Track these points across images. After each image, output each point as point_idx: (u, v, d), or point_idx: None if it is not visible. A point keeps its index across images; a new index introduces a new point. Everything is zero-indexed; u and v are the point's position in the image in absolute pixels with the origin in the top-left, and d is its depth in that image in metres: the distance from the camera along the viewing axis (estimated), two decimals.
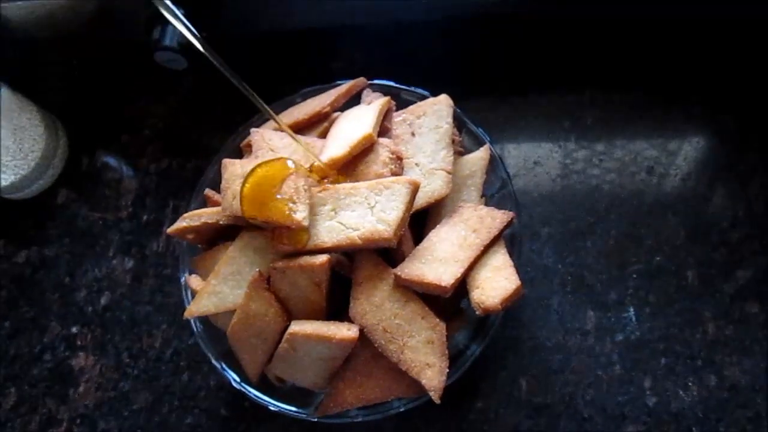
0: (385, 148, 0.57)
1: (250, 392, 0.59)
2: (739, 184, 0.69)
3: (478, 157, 0.61)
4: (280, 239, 0.54)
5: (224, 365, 0.60)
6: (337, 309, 0.57)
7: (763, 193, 0.69)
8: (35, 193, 0.77)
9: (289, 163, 0.55)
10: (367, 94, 0.64)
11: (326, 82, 0.67)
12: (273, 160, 0.56)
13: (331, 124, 0.62)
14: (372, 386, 0.56)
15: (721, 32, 0.75)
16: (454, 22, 0.78)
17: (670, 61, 0.75)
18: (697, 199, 0.69)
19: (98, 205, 0.77)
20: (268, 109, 0.55)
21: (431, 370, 0.53)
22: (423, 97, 0.63)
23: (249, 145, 0.63)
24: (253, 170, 0.54)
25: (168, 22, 0.67)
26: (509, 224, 0.58)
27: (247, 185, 0.53)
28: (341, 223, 0.53)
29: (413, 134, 0.60)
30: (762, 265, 0.66)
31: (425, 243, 0.57)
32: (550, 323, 0.66)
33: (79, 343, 0.71)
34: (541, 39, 0.77)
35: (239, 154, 0.66)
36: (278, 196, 0.53)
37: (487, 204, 0.61)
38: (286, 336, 0.54)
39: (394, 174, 0.56)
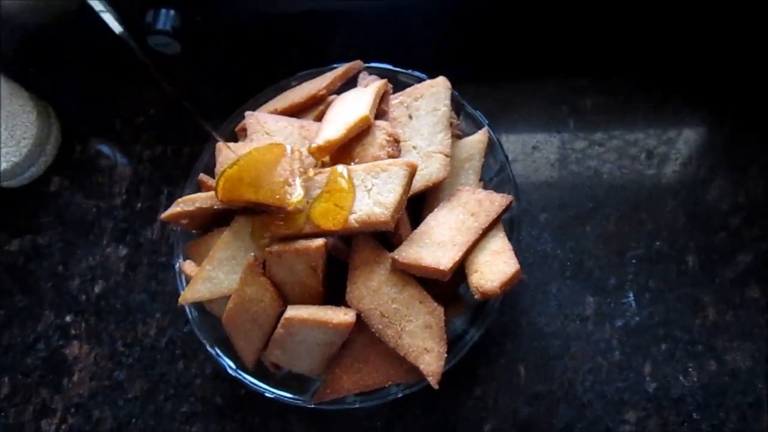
0: (382, 130, 0.56)
1: (245, 379, 0.59)
2: (739, 168, 0.69)
3: (477, 140, 0.61)
4: (276, 223, 0.53)
5: (219, 352, 0.59)
6: (333, 294, 0.56)
7: (762, 177, 0.68)
8: (27, 181, 0.76)
9: (287, 148, 0.54)
10: (363, 77, 0.64)
11: (322, 65, 0.66)
12: (269, 144, 0.55)
13: (327, 108, 0.61)
14: (369, 372, 0.56)
15: (720, 17, 0.74)
16: (452, 4, 0.77)
17: (670, 46, 0.74)
18: (697, 184, 0.68)
19: (92, 192, 0.76)
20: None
21: (429, 356, 0.53)
22: (420, 80, 0.63)
23: (243, 129, 0.62)
24: (246, 153, 0.54)
25: (161, 6, 0.66)
26: (508, 208, 0.57)
27: (231, 169, 0.52)
28: (337, 206, 0.53)
29: (410, 117, 0.59)
30: (762, 249, 0.65)
31: (423, 227, 0.56)
32: (549, 309, 0.65)
33: (73, 331, 0.70)
34: (540, 23, 0.77)
35: (234, 138, 0.65)
36: (274, 179, 0.52)
37: (485, 188, 0.60)
38: (282, 321, 0.53)
39: (391, 157, 0.55)
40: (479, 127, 0.62)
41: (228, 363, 0.59)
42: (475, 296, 0.52)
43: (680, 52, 0.74)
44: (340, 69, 0.63)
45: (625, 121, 0.72)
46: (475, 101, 0.64)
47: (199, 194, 0.59)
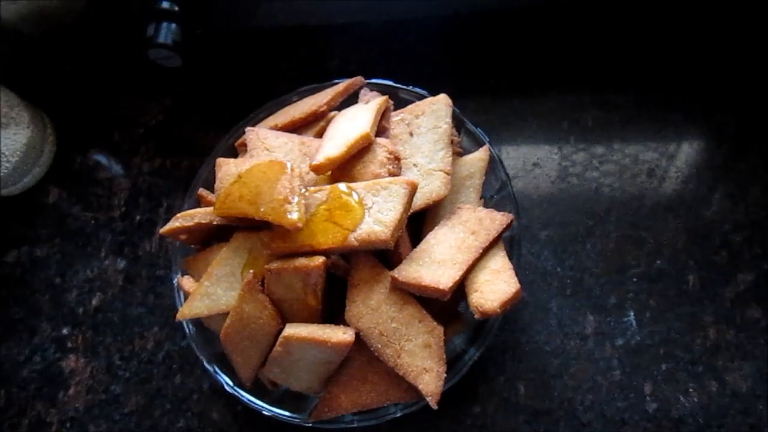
0: (382, 148, 0.56)
1: (243, 396, 0.58)
2: (740, 186, 0.68)
3: (477, 157, 0.60)
4: (275, 240, 0.53)
5: (217, 368, 0.59)
6: (332, 312, 0.56)
7: (764, 195, 0.68)
8: (20, 191, 0.76)
9: (287, 165, 0.54)
10: (364, 93, 0.63)
11: (323, 80, 0.66)
12: (270, 161, 0.55)
13: (327, 124, 0.61)
14: (368, 391, 0.55)
15: (721, 35, 0.74)
16: (453, 21, 0.77)
17: (670, 61, 0.74)
18: (698, 201, 0.68)
19: (90, 204, 0.76)
20: None
21: (428, 375, 0.52)
22: (421, 97, 0.63)
23: (243, 144, 0.62)
24: (247, 170, 0.54)
25: (162, 19, 0.66)
26: (508, 226, 0.57)
27: (231, 185, 0.52)
28: (337, 224, 0.52)
29: (411, 134, 0.59)
30: (763, 269, 0.65)
31: (423, 245, 0.56)
32: (548, 327, 0.65)
33: (69, 344, 0.70)
34: (541, 39, 0.77)
35: (234, 153, 0.65)
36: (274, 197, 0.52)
37: (485, 206, 0.60)
38: (280, 339, 0.53)
39: (391, 174, 0.55)
40: (480, 144, 0.62)
41: (225, 380, 0.59)
42: (476, 316, 0.52)
43: (680, 68, 0.74)
44: (341, 85, 0.63)
45: (625, 137, 0.72)
46: (476, 116, 0.64)
47: (198, 210, 0.59)
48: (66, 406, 0.67)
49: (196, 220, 0.57)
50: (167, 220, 0.60)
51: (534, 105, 0.74)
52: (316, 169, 0.55)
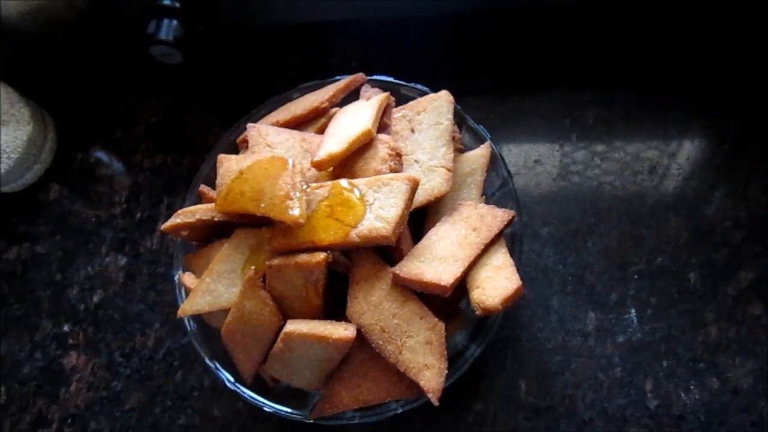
0: (384, 144, 0.56)
1: (244, 393, 0.58)
2: (742, 184, 0.68)
3: (479, 154, 0.60)
4: (276, 236, 0.53)
5: (218, 365, 0.59)
6: (333, 308, 0.56)
7: (765, 193, 0.68)
8: (21, 188, 0.76)
9: (289, 161, 0.54)
10: (365, 90, 0.63)
11: (324, 77, 0.66)
12: (272, 157, 0.55)
13: (329, 120, 0.61)
14: (369, 387, 0.55)
15: (723, 31, 0.74)
16: (455, 18, 0.77)
17: (672, 59, 0.74)
18: (699, 199, 0.68)
19: (91, 201, 0.76)
20: None
21: (430, 372, 0.52)
22: (423, 93, 0.63)
23: (245, 141, 0.62)
24: (249, 166, 0.54)
25: (163, 16, 0.66)
26: (510, 223, 0.57)
27: (233, 181, 0.53)
28: (339, 220, 0.52)
29: (413, 130, 0.59)
30: (765, 266, 0.65)
31: (424, 241, 0.56)
32: (550, 324, 0.65)
33: (70, 341, 0.70)
34: (542, 36, 0.77)
35: (235, 149, 0.65)
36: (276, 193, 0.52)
37: (487, 202, 0.60)
38: (281, 336, 0.53)
39: (393, 171, 0.55)
40: (481, 141, 0.62)
41: (226, 376, 0.59)
42: (477, 312, 0.52)
43: (682, 66, 0.74)
44: (343, 81, 0.63)
45: (626, 135, 0.72)
46: (477, 114, 0.64)
47: (199, 206, 0.59)
48: (67, 403, 0.67)
49: (198, 217, 0.57)
50: (168, 217, 0.60)
51: (535, 102, 0.74)
52: (318, 166, 0.55)
